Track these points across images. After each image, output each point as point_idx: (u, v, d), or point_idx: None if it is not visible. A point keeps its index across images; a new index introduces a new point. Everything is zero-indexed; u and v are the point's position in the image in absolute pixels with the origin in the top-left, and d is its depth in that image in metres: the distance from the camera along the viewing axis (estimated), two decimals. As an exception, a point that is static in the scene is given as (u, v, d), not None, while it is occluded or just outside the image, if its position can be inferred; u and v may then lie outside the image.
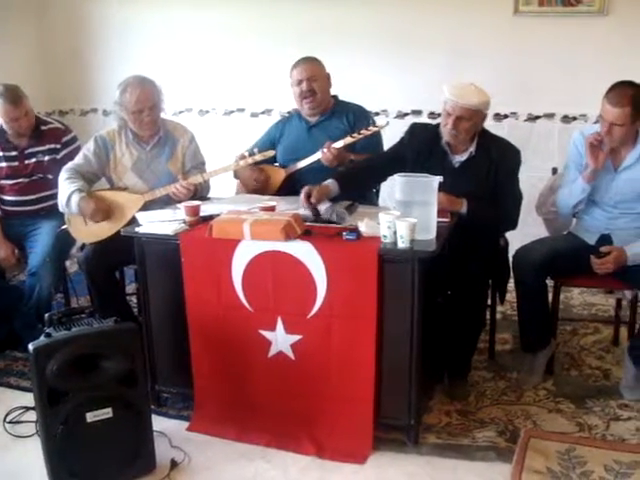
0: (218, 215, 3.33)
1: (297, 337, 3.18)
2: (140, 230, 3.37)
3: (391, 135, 3.84)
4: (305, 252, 3.06)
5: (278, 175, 4.12)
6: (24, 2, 5.90)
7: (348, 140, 3.86)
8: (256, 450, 3.20)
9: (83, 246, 4.07)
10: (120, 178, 3.99)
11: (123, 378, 2.89)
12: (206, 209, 3.49)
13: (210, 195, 4.05)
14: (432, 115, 5.12)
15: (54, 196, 4.02)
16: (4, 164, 4.21)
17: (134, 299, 4.47)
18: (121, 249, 3.57)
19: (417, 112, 5.34)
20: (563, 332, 4.27)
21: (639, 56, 4.68)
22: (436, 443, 3.22)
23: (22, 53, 5.86)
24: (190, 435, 3.32)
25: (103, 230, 3.85)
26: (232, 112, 5.86)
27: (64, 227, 3.99)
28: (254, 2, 5.50)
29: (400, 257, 3.00)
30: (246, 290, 3.20)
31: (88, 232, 3.90)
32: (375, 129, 3.88)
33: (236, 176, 4.19)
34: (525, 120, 5.14)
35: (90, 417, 2.84)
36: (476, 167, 3.54)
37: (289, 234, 3.06)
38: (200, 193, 3.90)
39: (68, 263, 4.41)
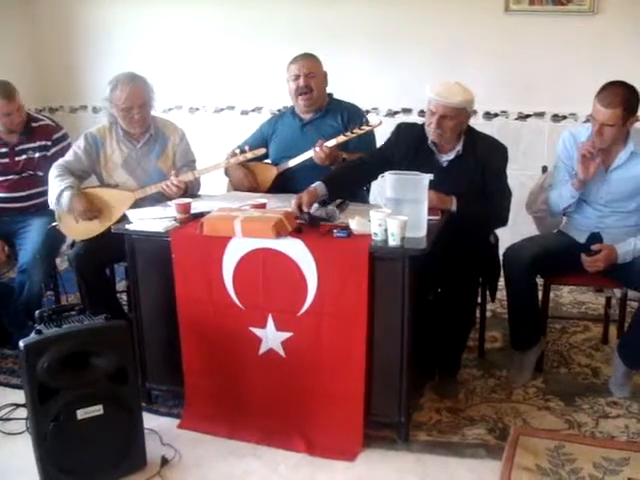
0: (209, 212, 3.33)
1: (288, 334, 3.18)
2: (131, 227, 3.36)
3: (383, 134, 3.83)
4: (296, 249, 3.06)
5: (270, 173, 4.12)
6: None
7: (341, 139, 3.87)
8: (247, 447, 3.20)
9: (73, 243, 4.06)
10: (110, 175, 3.98)
11: (114, 375, 2.89)
12: (197, 206, 3.49)
13: (201, 193, 4.05)
14: (422, 113, 5.09)
15: (44, 193, 4.02)
16: (-5, 161, 4.21)
17: (124, 296, 4.46)
18: (111, 246, 3.57)
19: (407, 110, 5.35)
20: (553, 330, 4.28)
21: (629, 55, 4.70)
22: (426, 440, 3.23)
23: (11, 50, 5.83)
24: (181, 432, 3.32)
25: (94, 227, 3.84)
26: (222, 110, 5.85)
27: (54, 224, 3.98)
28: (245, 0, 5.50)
29: (391, 255, 3.00)
30: (237, 287, 3.20)
31: (79, 229, 3.89)
32: (368, 128, 3.89)
33: (227, 174, 4.19)
34: (515, 119, 5.16)
35: (81, 414, 2.84)
36: (464, 166, 3.55)
37: (280, 231, 3.06)
38: (191, 191, 3.89)
39: (58, 260, 4.39)
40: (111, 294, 4.10)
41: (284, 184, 3.99)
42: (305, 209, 3.30)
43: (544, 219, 3.96)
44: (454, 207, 3.46)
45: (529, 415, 3.42)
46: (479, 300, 3.82)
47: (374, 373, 3.14)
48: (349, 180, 3.67)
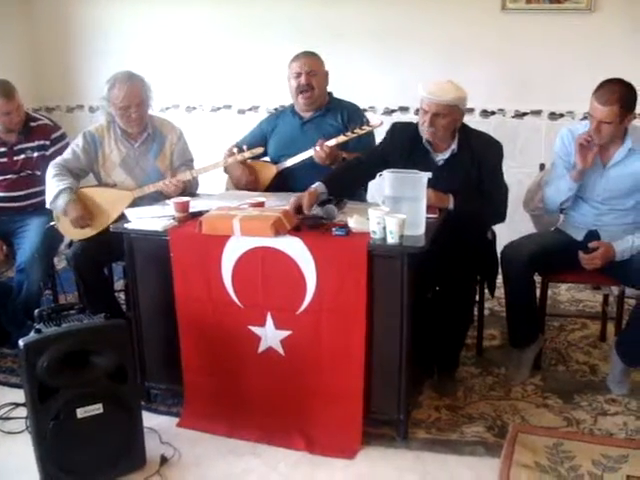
0: (207, 211, 3.33)
1: (287, 333, 3.19)
2: (129, 226, 3.36)
3: (381, 132, 3.83)
4: (295, 248, 3.07)
5: (269, 171, 4.12)
6: (10, -1, 5.89)
7: (341, 139, 3.87)
8: (246, 446, 3.21)
9: (71, 243, 4.06)
10: (108, 174, 3.99)
11: (113, 374, 2.89)
12: (195, 205, 3.49)
13: (199, 191, 4.05)
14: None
15: (42, 193, 4.00)
16: (-7, 160, 4.21)
17: (122, 295, 4.45)
18: (110, 245, 3.58)
19: (404, 109, 5.35)
20: (550, 328, 4.30)
21: (626, 53, 4.70)
22: (425, 438, 3.24)
23: (8, 50, 5.82)
24: (180, 431, 3.32)
25: (92, 227, 3.84)
26: (219, 109, 5.85)
27: (52, 223, 3.98)
28: (241, -1, 5.51)
29: (389, 253, 3.01)
30: (236, 286, 3.20)
31: (76, 229, 3.88)
32: (369, 129, 3.89)
33: (226, 171, 4.19)
34: (512, 117, 5.16)
35: (80, 413, 2.84)
36: (459, 164, 3.55)
37: (279, 230, 3.07)
38: (189, 190, 3.90)
39: (56, 260, 4.39)
40: (109, 293, 4.09)
41: (283, 183, 3.99)
42: (305, 211, 3.30)
43: (541, 217, 3.96)
44: (451, 205, 3.46)
45: (527, 413, 3.42)
46: (477, 298, 3.82)
47: (373, 371, 3.15)
48: (348, 180, 3.67)
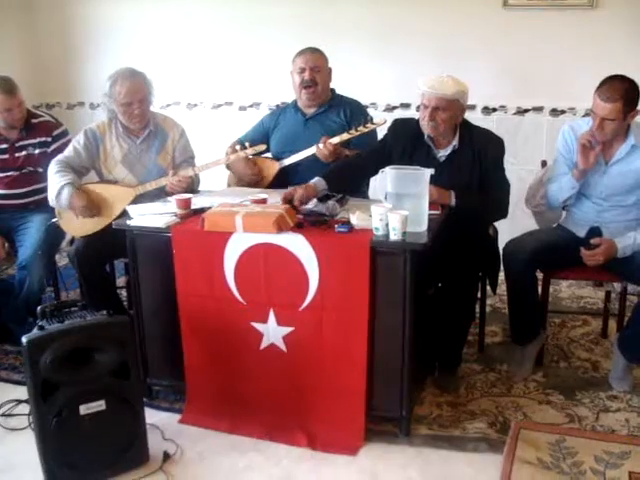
0: (209, 208, 3.33)
1: (289, 329, 3.19)
2: (132, 223, 3.36)
3: (384, 129, 3.82)
4: (297, 244, 3.07)
5: (272, 168, 4.12)
6: (10, -4, 5.89)
7: (344, 136, 3.86)
8: (248, 442, 3.21)
9: (72, 240, 4.06)
10: (110, 171, 3.98)
11: (116, 371, 2.90)
12: (197, 202, 3.49)
13: (200, 188, 4.05)
14: (421, 108, 5.14)
15: (44, 189, 4.01)
16: (-6, 157, 4.20)
17: (124, 292, 4.46)
18: (112, 242, 3.57)
19: (406, 105, 5.35)
20: (552, 324, 4.30)
21: (628, 49, 4.69)
22: (427, 434, 3.24)
23: (9, 46, 5.83)
24: (182, 427, 3.32)
25: (94, 224, 3.84)
26: (220, 105, 5.85)
27: (54, 220, 3.98)
28: (242, -4, 5.50)
29: (392, 249, 3.01)
30: (238, 282, 3.20)
31: (79, 226, 3.89)
32: (372, 127, 3.87)
33: (229, 168, 4.19)
34: (514, 113, 5.15)
35: (83, 410, 2.85)
36: (461, 160, 3.55)
37: (281, 226, 3.07)
38: (191, 187, 3.89)
39: (58, 257, 4.39)
40: (111, 290, 4.08)
41: (286, 179, 3.99)
42: (295, 203, 3.31)
43: (543, 214, 3.95)
44: (453, 202, 3.46)
45: (530, 409, 3.43)
46: (479, 295, 3.82)
47: (375, 367, 3.15)
48: (348, 175, 3.68)
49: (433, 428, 3.29)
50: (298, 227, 3.13)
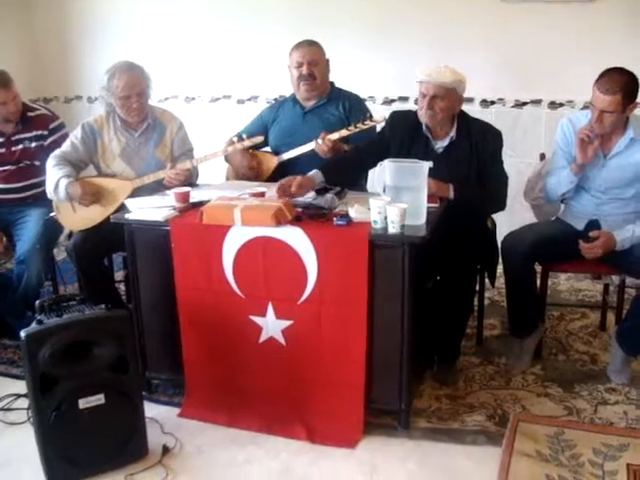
0: (207, 201, 3.32)
1: (288, 322, 3.19)
2: (130, 217, 3.36)
3: (382, 123, 3.82)
4: (296, 238, 3.07)
5: (270, 162, 4.12)
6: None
7: (344, 132, 3.85)
8: (247, 435, 3.21)
9: (71, 234, 4.05)
10: (108, 165, 3.98)
11: (115, 365, 2.90)
12: (195, 195, 3.49)
13: (199, 181, 4.04)
14: (419, 101, 5.12)
15: (41, 183, 4.00)
16: (-9, 151, 4.19)
17: (122, 286, 4.45)
18: (110, 236, 3.57)
19: (404, 98, 5.34)
20: (550, 317, 4.30)
21: (627, 42, 4.68)
22: (426, 427, 3.24)
23: (6, 40, 5.81)
24: (181, 421, 3.33)
25: (92, 217, 3.84)
26: (218, 99, 5.84)
27: (52, 214, 3.98)
28: (240, -11, 5.49)
29: (391, 242, 3.01)
30: (237, 276, 3.20)
31: (76, 220, 3.89)
32: (372, 124, 3.85)
33: (227, 160, 4.19)
34: (512, 106, 5.14)
35: (82, 404, 2.84)
36: (458, 151, 3.55)
37: (280, 220, 3.06)
38: (189, 180, 3.88)
39: (56, 251, 4.38)
40: (110, 284, 4.08)
41: (284, 174, 3.96)
42: (293, 189, 3.32)
43: (542, 207, 3.95)
44: (452, 194, 3.45)
45: (528, 402, 3.43)
46: (477, 288, 3.82)
47: (374, 360, 3.15)
48: (346, 168, 3.68)
49: (432, 421, 3.29)
50: (296, 220, 3.13)
